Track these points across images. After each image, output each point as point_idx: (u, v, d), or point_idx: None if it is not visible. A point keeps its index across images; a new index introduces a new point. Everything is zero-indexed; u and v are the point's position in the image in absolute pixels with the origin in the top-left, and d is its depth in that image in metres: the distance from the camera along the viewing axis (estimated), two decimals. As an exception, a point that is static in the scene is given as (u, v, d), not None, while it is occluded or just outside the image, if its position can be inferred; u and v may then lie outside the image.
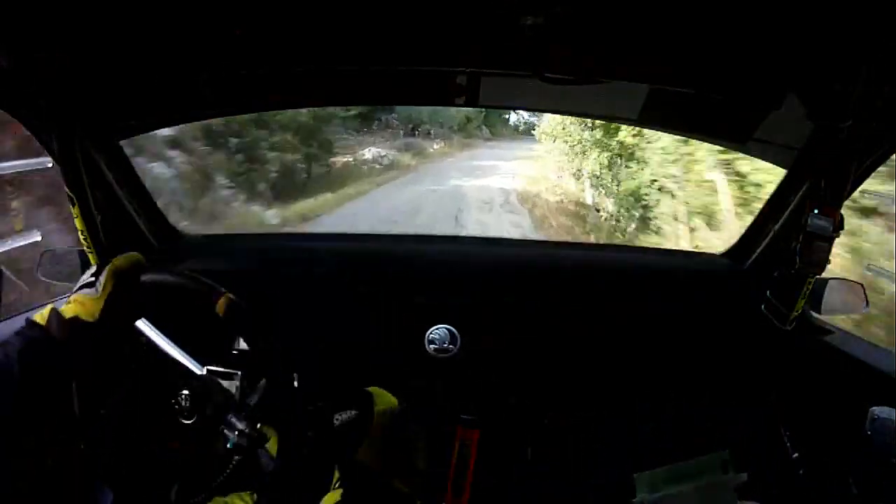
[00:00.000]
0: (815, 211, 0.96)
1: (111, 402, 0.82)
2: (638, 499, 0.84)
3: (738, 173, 4.40)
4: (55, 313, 0.65)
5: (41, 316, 0.65)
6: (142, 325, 0.81)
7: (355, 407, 0.79)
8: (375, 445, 0.74)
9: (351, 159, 10.53)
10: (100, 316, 0.66)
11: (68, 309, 0.66)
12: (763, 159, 1.26)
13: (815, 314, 1.22)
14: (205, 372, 0.81)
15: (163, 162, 5.53)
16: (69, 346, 0.64)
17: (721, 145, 1.32)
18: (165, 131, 5.13)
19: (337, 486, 0.73)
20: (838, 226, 0.95)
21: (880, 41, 0.74)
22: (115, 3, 0.81)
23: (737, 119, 1.11)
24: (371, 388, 0.82)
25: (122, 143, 1.27)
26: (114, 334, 0.69)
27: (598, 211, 7.17)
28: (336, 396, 0.80)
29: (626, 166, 6.52)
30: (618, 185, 6.57)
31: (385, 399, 0.80)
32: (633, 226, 6.20)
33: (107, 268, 0.68)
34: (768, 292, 1.13)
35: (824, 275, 1.05)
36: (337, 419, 0.78)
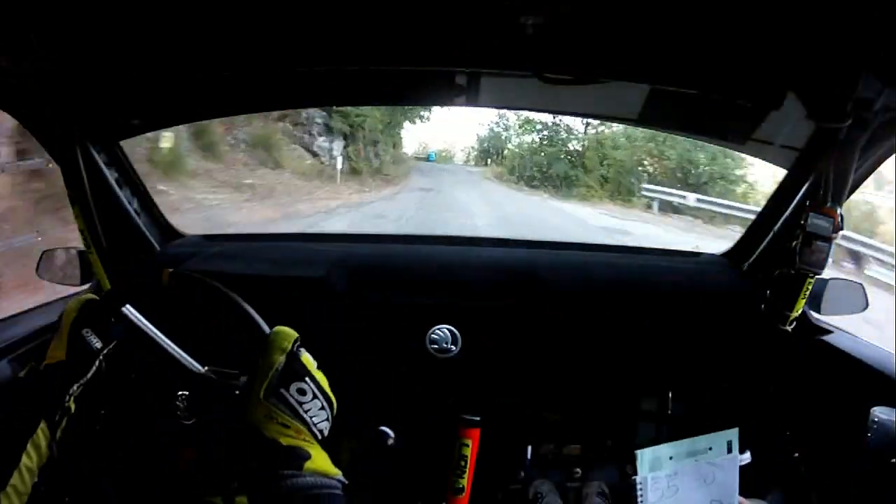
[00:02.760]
0: (816, 211, 0.96)
1: (111, 403, 0.83)
2: (639, 477, 0.83)
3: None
4: (32, 368, 0.76)
5: (23, 371, 0.77)
6: (142, 326, 0.81)
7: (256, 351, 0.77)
8: (258, 408, 0.71)
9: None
10: (66, 354, 0.75)
11: (46, 360, 0.76)
12: (763, 159, 1.26)
13: (815, 314, 1.22)
14: (205, 372, 0.81)
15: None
16: (47, 389, 0.73)
17: (721, 145, 1.32)
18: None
19: None
20: (838, 226, 0.96)
21: (880, 41, 0.74)
22: (115, 3, 0.81)
23: (737, 119, 1.11)
24: (270, 333, 0.77)
25: (121, 143, 1.28)
26: (81, 364, 0.76)
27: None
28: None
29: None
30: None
31: (266, 358, 0.74)
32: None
33: (62, 312, 0.78)
34: (768, 292, 1.13)
35: (824, 275, 1.05)
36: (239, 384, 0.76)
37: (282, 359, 0.74)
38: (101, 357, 0.77)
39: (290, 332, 0.77)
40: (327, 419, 0.75)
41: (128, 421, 0.81)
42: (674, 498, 0.84)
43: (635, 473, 0.85)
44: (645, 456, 0.84)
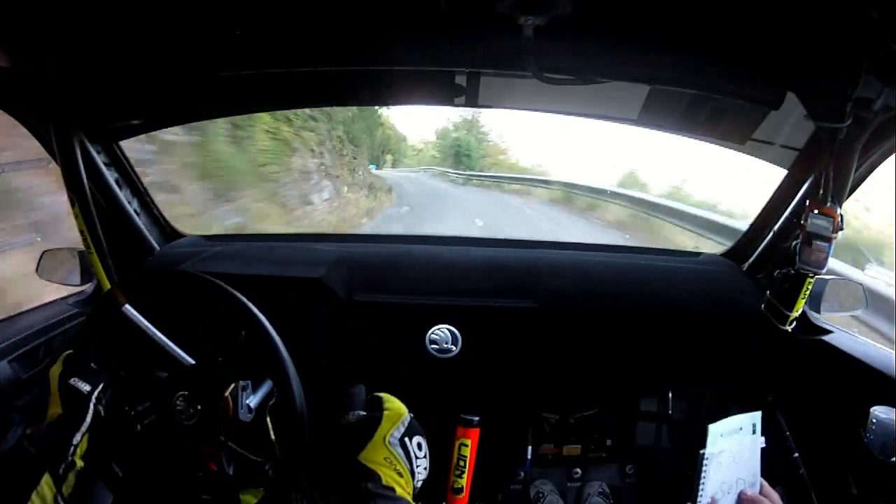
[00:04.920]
0: (815, 211, 0.96)
1: (111, 405, 0.82)
2: (707, 451, 0.85)
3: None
4: (38, 426, 0.78)
5: (30, 429, 0.79)
6: (143, 326, 0.81)
7: (365, 409, 0.79)
8: (378, 449, 0.74)
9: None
10: (62, 406, 0.77)
11: (47, 419, 0.78)
12: (763, 159, 1.26)
13: (815, 314, 1.22)
14: (204, 372, 0.81)
15: None
16: (48, 441, 0.75)
17: (721, 145, 1.32)
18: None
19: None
20: (838, 226, 0.96)
21: (880, 41, 0.74)
22: (115, 3, 0.81)
23: (737, 119, 1.11)
24: (383, 395, 0.81)
25: (121, 143, 1.28)
26: (77, 410, 0.77)
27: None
28: (344, 398, 0.80)
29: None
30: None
31: (395, 406, 0.79)
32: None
33: (48, 376, 0.81)
34: (768, 292, 1.13)
35: (824, 275, 1.05)
36: (349, 418, 0.78)
37: (407, 412, 0.78)
38: (93, 399, 0.78)
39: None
40: (423, 479, 0.78)
41: (127, 423, 0.81)
42: (718, 472, 0.86)
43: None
44: (715, 430, 0.86)
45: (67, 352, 0.83)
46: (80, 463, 0.75)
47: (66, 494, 0.72)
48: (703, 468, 0.85)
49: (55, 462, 0.73)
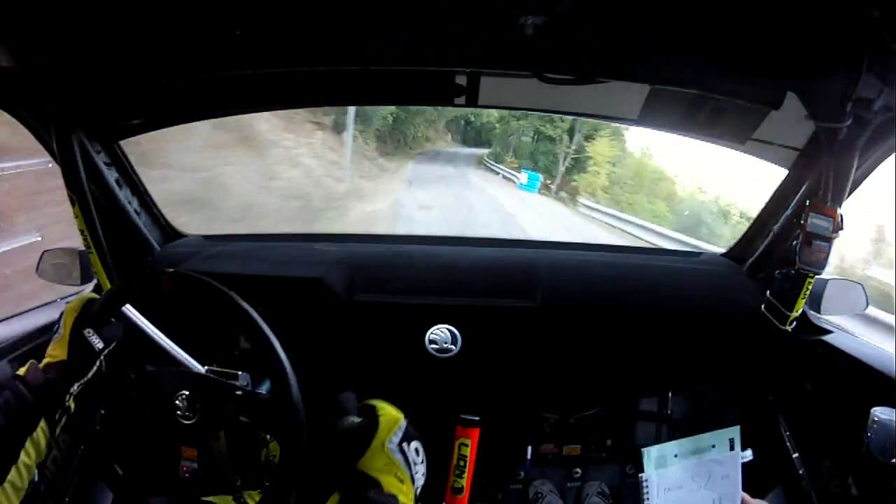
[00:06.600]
0: (815, 211, 0.96)
1: (111, 402, 0.83)
2: (645, 474, 0.83)
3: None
4: (33, 366, 0.77)
5: (23, 369, 0.77)
6: (142, 326, 0.81)
7: (358, 415, 0.78)
8: (377, 456, 0.73)
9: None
10: (68, 354, 0.77)
11: (46, 358, 0.77)
12: (763, 159, 1.26)
13: (815, 314, 1.22)
14: (205, 372, 0.82)
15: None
16: (47, 387, 0.75)
17: (721, 145, 1.32)
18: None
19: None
20: (838, 226, 0.96)
21: (880, 41, 0.74)
22: (115, 3, 0.81)
23: (737, 119, 1.11)
24: (374, 402, 0.80)
25: (121, 142, 1.27)
26: (83, 364, 0.77)
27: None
28: (336, 403, 0.80)
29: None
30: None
31: (389, 411, 0.78)
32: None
33: (62, 312, 0.80)
34: (768, 292, 1.13)
35: (824, 275, 1.05)
36: (343, 424, 0.77)
37: (402, 417, 0.76)
38: (101, 357, 0.77)
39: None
40: (421, 485, 0.76)
41: (127, 421, 0.81)
42: (678, 493, 0.84)
43: (641, 471, 0.85)
44: (651, 454, 0.84)
45: (90, 295, 0.82)
46: (72, 405, 0.75)
47: (57, 435, 0.73)
48: (646, 491, 0.83)
49: (52, 408, 0.73)
